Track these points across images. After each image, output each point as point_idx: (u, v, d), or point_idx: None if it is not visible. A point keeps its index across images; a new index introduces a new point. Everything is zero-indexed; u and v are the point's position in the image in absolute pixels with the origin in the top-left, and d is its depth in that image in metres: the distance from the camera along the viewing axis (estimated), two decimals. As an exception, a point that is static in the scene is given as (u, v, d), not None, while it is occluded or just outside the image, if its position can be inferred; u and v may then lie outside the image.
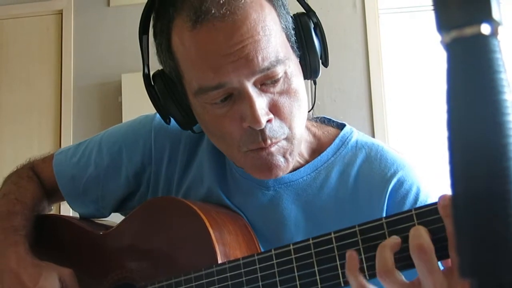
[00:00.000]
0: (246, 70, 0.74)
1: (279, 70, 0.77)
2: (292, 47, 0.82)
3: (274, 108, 0.78)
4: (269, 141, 0.78)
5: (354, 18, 3.11)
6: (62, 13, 3.31)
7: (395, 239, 0.63)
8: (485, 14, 0.30)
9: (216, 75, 0.75)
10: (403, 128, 2.98)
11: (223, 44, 0.74)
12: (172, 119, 0.89)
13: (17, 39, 3.34)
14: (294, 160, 0.84)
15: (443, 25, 0.32)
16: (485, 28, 0.31)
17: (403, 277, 0.62)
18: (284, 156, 0.81)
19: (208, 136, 0.88)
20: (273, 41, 0.76)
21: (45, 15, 3.34)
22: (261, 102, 0.76)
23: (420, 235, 0.60)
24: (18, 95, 3.27)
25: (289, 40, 0.81)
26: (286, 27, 0.81)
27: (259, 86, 0.77)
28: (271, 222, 0.89)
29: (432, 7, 0.32)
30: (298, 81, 0.81)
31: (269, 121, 0.77)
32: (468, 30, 0.31)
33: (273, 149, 0.79)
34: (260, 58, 0.74)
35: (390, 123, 2.97)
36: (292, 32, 0.82)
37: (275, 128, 0.78)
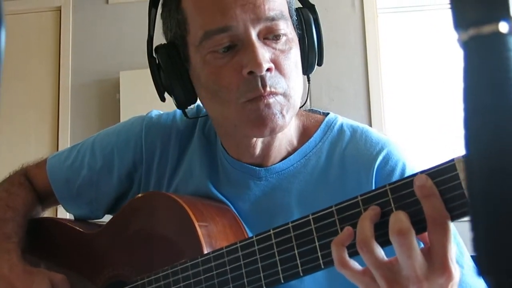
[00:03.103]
0: (253, 14, 0.78)
1: (282, 26, 0.80)
2: (293, 25, 0.85)
3: (275, 62, 0.80)
4: (268, 89, 0.78)
5: (352, 17, 3.12)
6: (60, 10, 3.30)
7: (373, 210, 0.63)
8: (504, 12, 0.30)
9: (223, 17, 0.78)
10: (401, 128, 2.99)
11: None
12: (164, 112, 0.89)
13: (15, 36, 3.32)
14: (290, 119, 0.83)
15: (460, 23, 0.31)
16: (503, 26, 0.30)
17: (382, 253, 0.62)
18: (281, 112, 0.80)
19: (203, 98, 0.87)
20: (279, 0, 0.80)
21: (43, 11, 3.33)
22: (263, 50, 0.78)
23: (400, 219, 0.60)
24: (15, 92, 3.25)
25: (291, 16, 0.84)
26: (289, 1, 0.85)
27: (262, 39, 0.79)
28: (264, 212, 0.89)
29: (449, 5, 0.32)
30: (296, 55, 0.83)
31: (269, 70, 0.78)
32: (486, 28, 0.30)
33: (271, 100, 0.79)
34: (267, 7, 0.78)
35: (388, 122, 2.98)
36: (295, 18, 0.86)
37: (274, 78, 0.79)
